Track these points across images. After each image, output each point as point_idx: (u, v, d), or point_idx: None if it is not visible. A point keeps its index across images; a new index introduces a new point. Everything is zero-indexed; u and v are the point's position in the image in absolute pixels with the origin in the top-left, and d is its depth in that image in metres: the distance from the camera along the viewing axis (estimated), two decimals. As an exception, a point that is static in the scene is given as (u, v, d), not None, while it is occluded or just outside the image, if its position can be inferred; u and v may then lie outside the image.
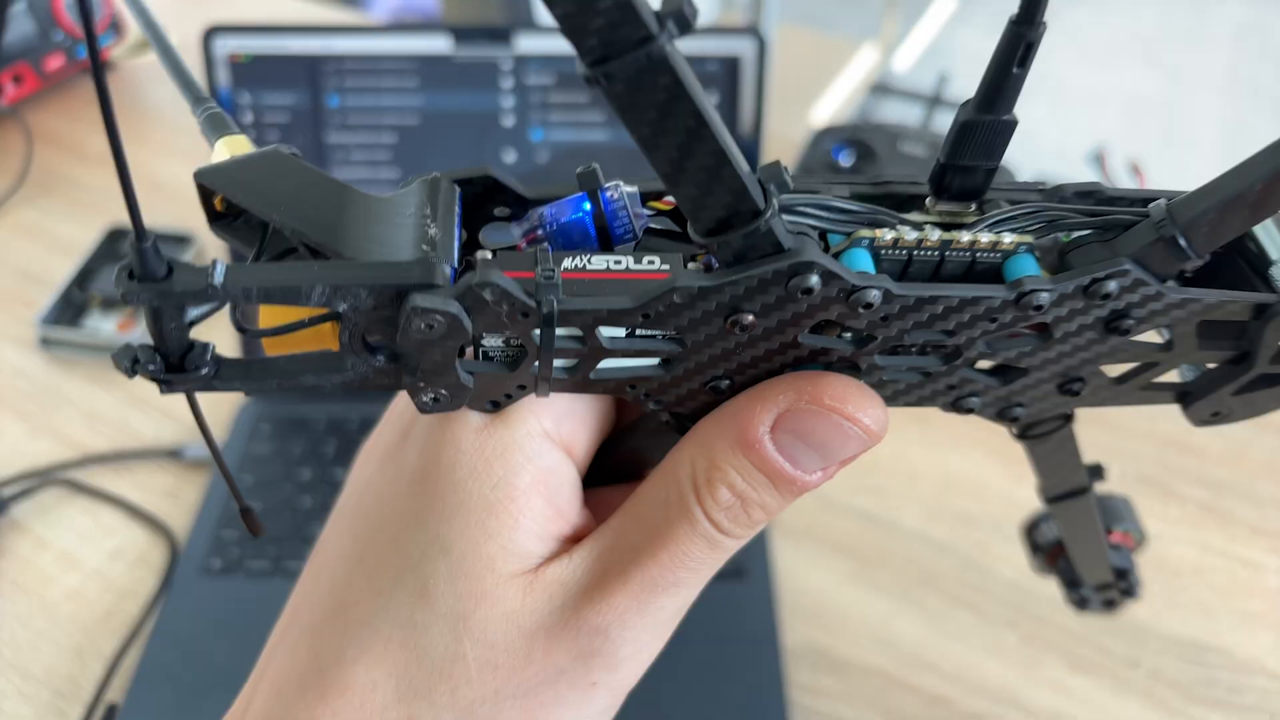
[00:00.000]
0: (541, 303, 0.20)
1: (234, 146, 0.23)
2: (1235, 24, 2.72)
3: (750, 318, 0.20)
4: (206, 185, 0.21)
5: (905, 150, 0.78)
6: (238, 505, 0.24)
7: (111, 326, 0.73)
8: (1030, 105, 2.13)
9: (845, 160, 0.77)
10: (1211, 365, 0.25)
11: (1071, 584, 0.35)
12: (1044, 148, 2.16)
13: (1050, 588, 0.58)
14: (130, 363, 0.20)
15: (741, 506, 0.22)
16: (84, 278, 0.75)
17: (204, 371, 0.20)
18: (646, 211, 0.22)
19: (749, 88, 0.69)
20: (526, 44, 0.68)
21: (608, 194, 0.22)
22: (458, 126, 0.70)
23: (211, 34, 0.67)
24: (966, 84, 1.76)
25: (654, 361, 0.22)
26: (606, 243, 0.22)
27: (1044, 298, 0.20)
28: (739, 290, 0.20)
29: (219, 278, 0.18)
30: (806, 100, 0.95)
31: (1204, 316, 0.22)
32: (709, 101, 0.17)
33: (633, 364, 0.22)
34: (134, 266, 0.18)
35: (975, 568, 0.59)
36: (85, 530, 0.61)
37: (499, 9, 1.51)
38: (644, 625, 0.23)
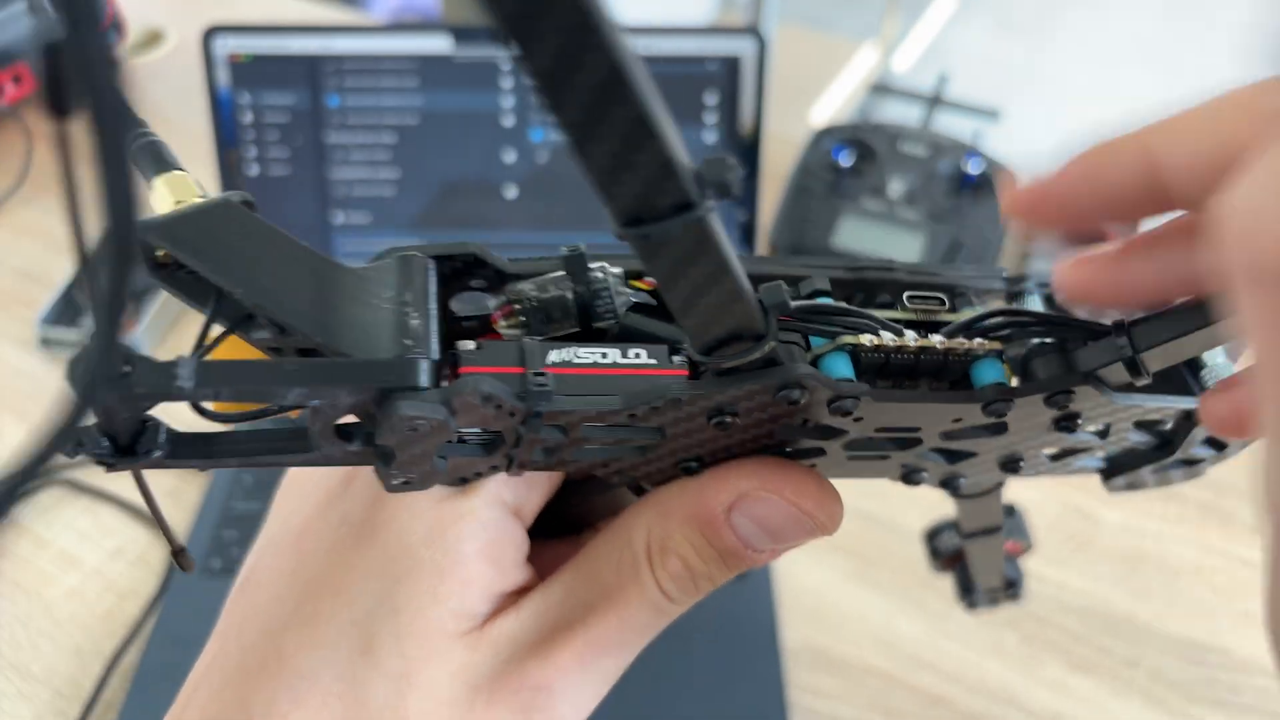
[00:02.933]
0: (530, 406, 0.19)
1: (177, 188, 0.20)
2: (1236, 25, 2.72)
3: (734, 418, 0.21)
4: (153, 244, 0.19)
5: (905, 150, 0.78)
6: (170, 546, 0.22)
7: (111, 326, 0.73)
8: (1030, 105, 2.13)
9: (845, 160, 0.77)
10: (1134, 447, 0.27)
11: (965, 589, 0.38)
12: (1043, 149, 2.16)
13: (1050, 588, 0.58)
14: (73, 446, 0.18)
15: (690, 578, 0.23)
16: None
17: (156, 454, 0.19)
18: (629, 290, 0.22)
19: (749, 88, 0.69)
20: (526, 44, 0.68)
21: (592, 274, 0.22)
22: (458, 126, 0.70)
23: (211, 34, 0.67)
24: (966, 84, 1.76)
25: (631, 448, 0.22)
26: (586, 319, 0.22)
27: (1008, 408, 0.22)
28: (726, 398, 0.20)
29: (187, 380, 0.17)
30: (806, 100, 0.95)
31: (1141, 418, 0.24)
32: (730, 247, 0.17)
33: (610, 449, 0.22)
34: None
35: (975, 568, 0.59)
36: (85, 530, 0.61)
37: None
38: (586, 683, 0.24)
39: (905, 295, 0.23)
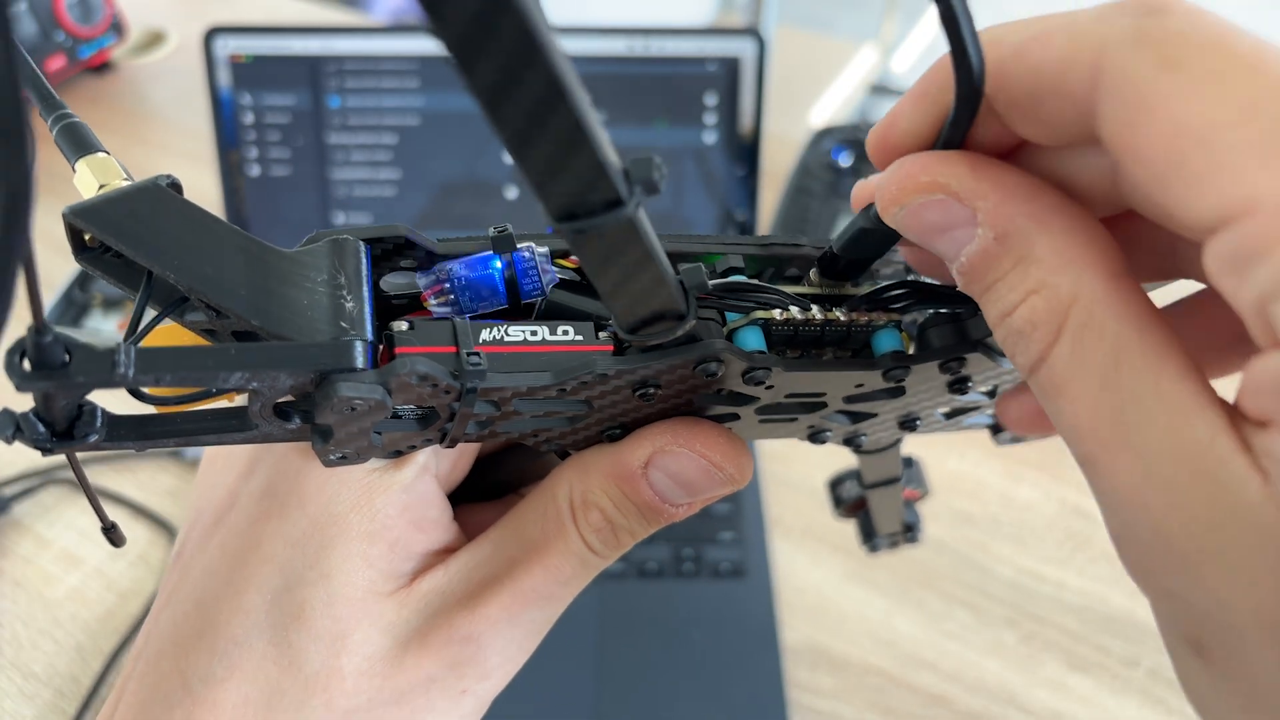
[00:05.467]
0: (465, 384, 0.20)
1: (99, 170, 0.20)
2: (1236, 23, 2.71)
3: (656, 390, 0.22)
4: (81, 228, 0.19)
5: (904, 151, 0.78)
6: (101, 523, 0.22)
7: (113, 327, 0.73)
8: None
9: (845, 160, 0.78)
10: None
11: (868, 534, 0.39)
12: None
13: (1050, 586, 0.58)
14: (11, 430, 0.18)
15: (611, 530, 0.24)
16: (85, 278, 0.75)
17: (93, 438, 0.19)
18: (555, 269, 0.23)
19: (749, 88, 0.69)
20: (527, 45, 0.68)
21: (520, 254, 0.22)
22: (458, 127, 0.70)
23: (213, 35, 0.67)
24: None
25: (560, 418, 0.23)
26: (514, 297, 0.23)
27: (906, 374, 0.23)
28: (650, 372, 0.21)
29: (127, 368, 0.17)
30: (806, 101, 0.95)
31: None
32: (655, 237, 0.18)
33: (539, 421, 0.23)
34: (29, 354, 0.16)
35: (974, 567, 0.59)
36: (86, 529, 0.61)
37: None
38: (513, 636, 0.25)
39: (811, 271, 0.24)
